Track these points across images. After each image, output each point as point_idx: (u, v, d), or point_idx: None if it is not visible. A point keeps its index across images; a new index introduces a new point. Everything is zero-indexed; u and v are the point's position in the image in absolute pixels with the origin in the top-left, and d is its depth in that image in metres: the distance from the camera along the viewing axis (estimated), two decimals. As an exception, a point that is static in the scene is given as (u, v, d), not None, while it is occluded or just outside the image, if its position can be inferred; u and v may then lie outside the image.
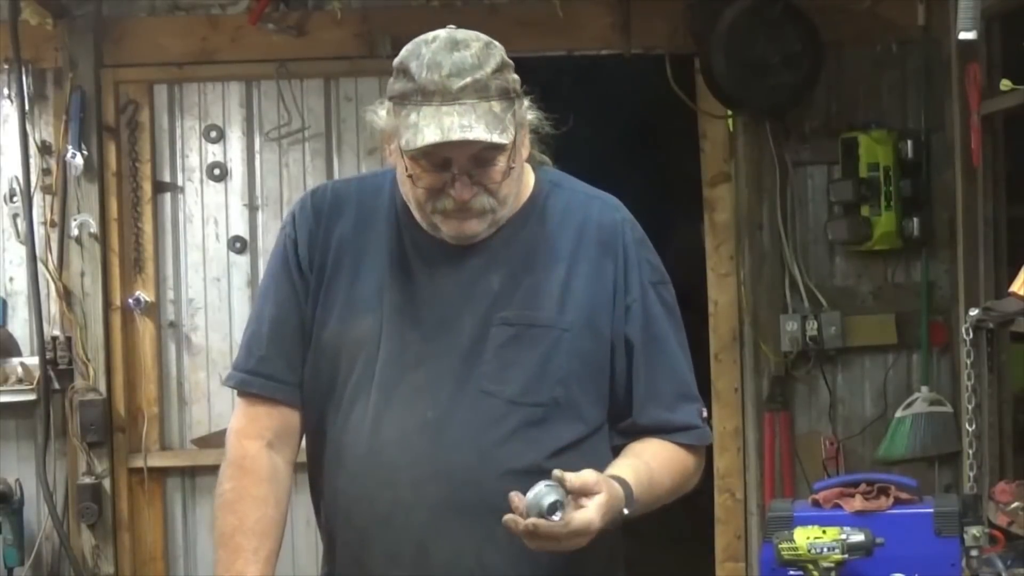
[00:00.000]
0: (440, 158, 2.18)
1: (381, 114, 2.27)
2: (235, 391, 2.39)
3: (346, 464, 2.28)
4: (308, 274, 2.34)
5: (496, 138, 2.16)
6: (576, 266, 2.30)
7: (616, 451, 2.33)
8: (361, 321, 2.29)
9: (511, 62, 2.24)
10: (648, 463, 2.27)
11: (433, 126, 2.14)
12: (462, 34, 2.21)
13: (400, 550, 2.24)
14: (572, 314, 2.28)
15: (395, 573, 2.25)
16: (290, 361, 2.34)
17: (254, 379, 2.35)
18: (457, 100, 2.15)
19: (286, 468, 2.34)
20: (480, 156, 2.19)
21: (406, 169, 2.22)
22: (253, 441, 2.33)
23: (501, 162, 2.21)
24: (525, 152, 2.29)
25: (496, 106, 2.17)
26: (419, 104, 2.16)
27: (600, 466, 2.24)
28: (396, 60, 2.22)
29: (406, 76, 2.19)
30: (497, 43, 2.24)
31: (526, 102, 2.27)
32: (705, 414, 2.39)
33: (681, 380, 2.36)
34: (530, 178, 2.36)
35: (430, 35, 2.21)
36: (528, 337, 2.26)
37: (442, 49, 2.18)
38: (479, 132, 2.14)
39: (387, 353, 2.27)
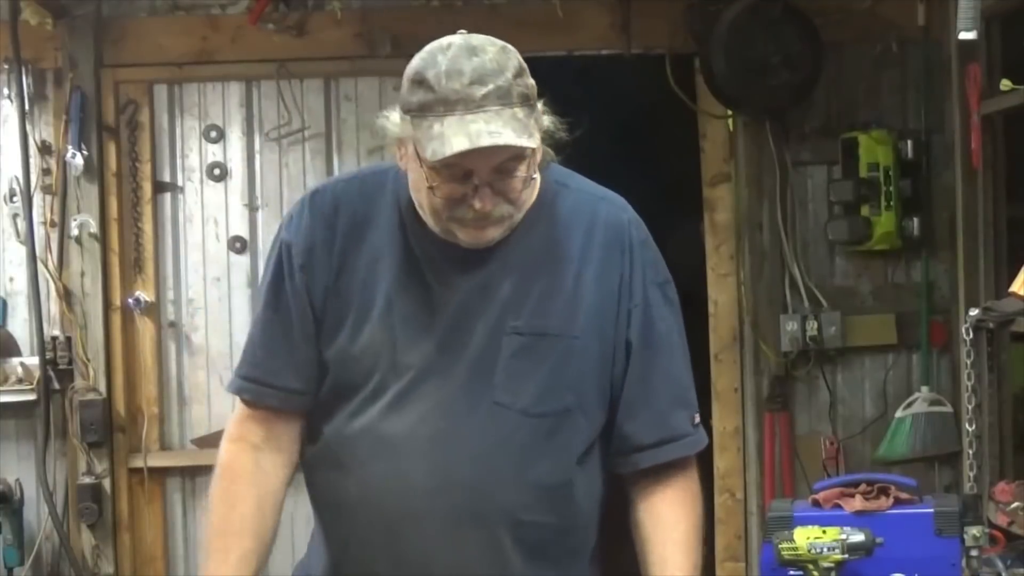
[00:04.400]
0: (462, 169, 2.12)
1: (395, 119, 2.20)
2: None
3: (353, 471, 2.25)
4: (303, 280, 2.28)
5: (525, 142, 2.11)
6: (584, 269, 2.27)
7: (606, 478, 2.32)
8: (372, 331, 2.24)
9: (526, 66, 2.18)
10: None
11: (461, 135, 2.07)
12: (477, 39, 2.15)
13: (407, 558, 2.23)
14: (581, 319, 2.25)
15: None
16: (283, 367, 2.30)
17: (244, 383, 2.33)
18: (481, 108, 2.08)
19: (275, 470, 2.32)
20: (502, 167, 2.13)
21: (425, 179, 2.15)
22: (236, 444, 2.32)
23: (522, 171, 2.16)
24: (539, 157, 2.23)
25: (519, 112, 2.11)
26: (442, 115, 2.09)
27: (598, 484, 2.29)
28: (410, 70, 2.14)
29: (423, 87, 2.11)
30: (511, 47, 2.17)
31: (540, 106, 2.21)
32: (697, 420, 2.34)
33: (678, 384, 2.32)
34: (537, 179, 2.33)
35: (444, 41, 2.14)
36: (540, 347, 2.23)
37: (460, 56, 2.11)
38: (508, 137, 2.08)
39: (399, 363, 2.23)
